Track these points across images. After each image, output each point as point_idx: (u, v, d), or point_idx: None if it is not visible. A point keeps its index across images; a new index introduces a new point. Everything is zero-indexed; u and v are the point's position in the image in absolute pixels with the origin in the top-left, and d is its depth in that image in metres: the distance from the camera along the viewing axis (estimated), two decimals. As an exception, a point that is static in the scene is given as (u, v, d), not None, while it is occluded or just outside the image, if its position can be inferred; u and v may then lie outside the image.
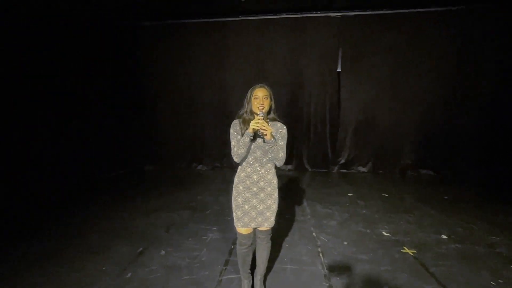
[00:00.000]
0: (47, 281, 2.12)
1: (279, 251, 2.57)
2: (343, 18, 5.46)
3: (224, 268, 2.31)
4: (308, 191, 4.52)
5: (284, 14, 5.64)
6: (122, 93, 5.84)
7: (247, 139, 1.67)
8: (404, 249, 2.60)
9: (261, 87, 1.78)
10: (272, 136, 1.66)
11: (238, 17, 5.74)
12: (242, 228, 1.82)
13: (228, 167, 6.27)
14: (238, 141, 1.72)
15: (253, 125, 1.60)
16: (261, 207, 1.79)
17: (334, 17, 5.49)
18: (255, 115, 1.69)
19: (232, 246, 2.66)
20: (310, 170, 6.06)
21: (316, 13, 5.52)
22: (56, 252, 2.54)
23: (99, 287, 2.06)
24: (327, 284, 2.09)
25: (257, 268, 2.02)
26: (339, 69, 5.75)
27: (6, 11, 3.55)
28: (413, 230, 2.98)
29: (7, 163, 3.64)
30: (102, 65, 5.35)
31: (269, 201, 1.80)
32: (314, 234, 2.93)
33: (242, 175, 1.82)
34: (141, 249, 2.62)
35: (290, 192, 4.46)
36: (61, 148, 4.52)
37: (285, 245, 2.69)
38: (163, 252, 2.56)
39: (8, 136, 3.69)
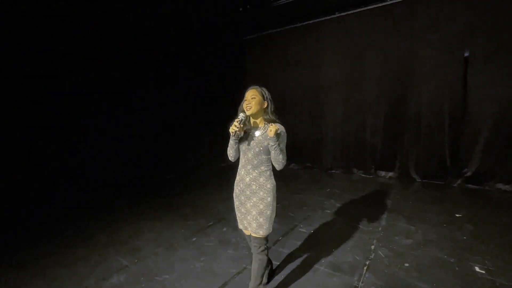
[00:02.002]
0: (140, 232, 3.09)
1: (321, 252, 2.48)
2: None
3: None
4: (399, 203, 3.85)
5: (389, 0, 5.00)
6: (227, 97, 7.00)
7: (231, 141, 1.71)
8: (497, 294, 1.86)
9: (251, 88, 1.72)
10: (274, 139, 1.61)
11: (334, 14, 5.60)
12: (243, 230, 1.84)
13: (318, 168, 6.21)
14: None
15: (231, 128, 1.62)
16: (254, 212, 1.70)
17: (457, -11, 4.34)
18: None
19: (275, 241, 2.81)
20: (418, 180, 5.03)
21: (430, -10, 4.55)
22: (161, 215, 3.59)
23: (171, 241, 2.80)
24: (356, 298, 1.88)
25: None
26: (466, 54, 4.47)
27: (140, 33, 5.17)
28: (536, 277, 2.03)
29: (116, 152, 5.14)
30: (214, 74, 6.66)
31: (261, 206, 1.69)
32: (372, 246, 2.57)
33: (237, 178, 1.81)
34: (211, 223, 3.25)
35: (374, 201, 3.96)
36: (183, 143, 6.07)
37: (331, 249, 2.55)
38: (224, 229, 3.07)
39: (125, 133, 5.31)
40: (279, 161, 1.69)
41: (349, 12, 5.39)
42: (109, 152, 4.71)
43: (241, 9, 5.79)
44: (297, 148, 6.51)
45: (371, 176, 5.49)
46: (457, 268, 2.18)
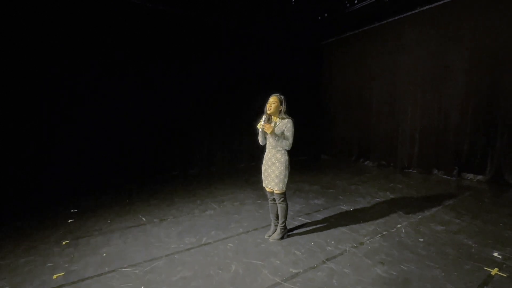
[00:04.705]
0: (228, 193, 4.42)
1: (349, 221, 3.08)
2: None
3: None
4: (464, 202, 3.75)
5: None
6: (308, 98, 7.77)
7: (260, 132, 2.51)
8: (493, 271, 2.05)
9: (274, 95, 2.49)
10: (274, 132, 2.42)
11: (416, 9, 5.51)
12: (265, 187, 2.65)
13: (393, 166, 6.16)
14: None
15: (258, 125, 2.45)
16: (272, 175, 2.52)
17: None
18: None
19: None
20: (516, 187, 4.44)
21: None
22: (241, 186, 4.89)
23: (244, 200, 4.00)
24: (353, 245, 2.47)
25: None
26: None
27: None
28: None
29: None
30: (295, 78, 7.55)
31: (277, 172, 2.50)
32: (399, 225, 2.94)
33: (265, 152, 2.62)
34: (274, 194, 4.27)
35: (434, 198, 3.99)
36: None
37: (360, 221, 3.09)
38: (282, 199, 4.03)
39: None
40: (282, 146, 2.49)
41: (430, 6, 5.21)
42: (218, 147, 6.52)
43: (319, 17, 6.50)
44: (372, 145, 6.64)
45: (454, 178, 5.13)
46: (472, 250, 2.37)
